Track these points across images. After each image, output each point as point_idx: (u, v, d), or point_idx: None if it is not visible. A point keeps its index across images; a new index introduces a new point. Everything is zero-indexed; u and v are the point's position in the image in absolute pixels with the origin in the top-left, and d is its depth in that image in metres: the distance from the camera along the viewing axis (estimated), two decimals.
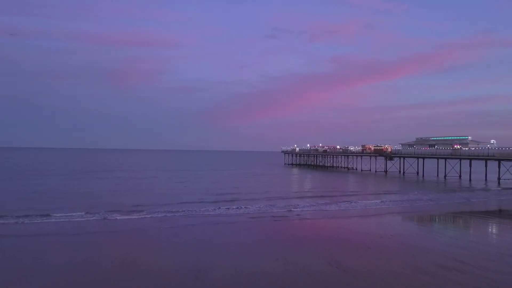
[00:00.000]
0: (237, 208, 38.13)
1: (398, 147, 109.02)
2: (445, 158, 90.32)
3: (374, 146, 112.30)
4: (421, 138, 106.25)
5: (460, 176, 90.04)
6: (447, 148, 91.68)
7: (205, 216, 33.67)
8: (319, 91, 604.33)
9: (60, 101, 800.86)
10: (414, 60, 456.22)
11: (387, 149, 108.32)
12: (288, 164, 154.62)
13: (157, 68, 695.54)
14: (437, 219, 36.50)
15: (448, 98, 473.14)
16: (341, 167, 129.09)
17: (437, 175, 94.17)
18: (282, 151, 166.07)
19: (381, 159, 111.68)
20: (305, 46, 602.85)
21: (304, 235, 27.12)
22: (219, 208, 37.77)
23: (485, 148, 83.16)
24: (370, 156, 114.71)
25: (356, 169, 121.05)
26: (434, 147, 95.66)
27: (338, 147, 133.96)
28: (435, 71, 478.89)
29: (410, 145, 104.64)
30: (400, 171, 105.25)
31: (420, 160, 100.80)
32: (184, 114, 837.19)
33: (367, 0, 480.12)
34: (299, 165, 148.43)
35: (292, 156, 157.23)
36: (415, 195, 52.05)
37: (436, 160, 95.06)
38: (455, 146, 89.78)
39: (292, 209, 38.34)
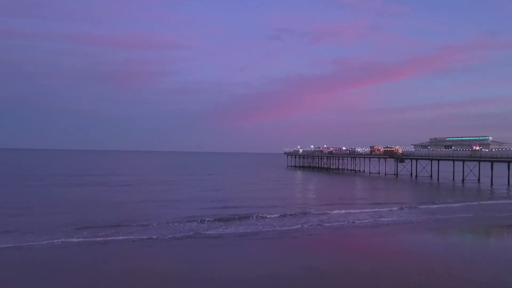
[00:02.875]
0: (237, 226, 30.30)
1: (410, 148, 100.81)
2: (463, 160, 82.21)
3: (384, 147, 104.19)
4: (435, 139, 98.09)
5: (479, 180, 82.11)
6: (465, 150, 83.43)
7: (199, 238, 25.77)
8: (321, 93, 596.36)
9: (62, 102, 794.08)
10: (416, 61, 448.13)
11: (397, 150, 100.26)
12: (291, 166, 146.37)
13: (159, 69, 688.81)
14: (494, 239, 28.41)
15: (451, 99, 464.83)
16: (347, 169, 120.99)
17: (453, 179, 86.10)
18: (285, 153, 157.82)
19: (391, 161, 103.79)
20: (307, 47, 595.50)
21: (324, 264, 19.14)
22: (216, 226, 29.91)
23: (509, 149, 75.05)
24: (379, 158, 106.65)
25: (364, 171, 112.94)
26: (451, 148, 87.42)
27: (344, 148, 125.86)
28: (437, 73, 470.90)
29: (424, 146, 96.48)
30: (411, 174, 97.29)
31: (434, 162, 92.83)
32: (186, 116, 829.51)
33: (369, 2, 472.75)
34: (302, 167, 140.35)
35: (295, 158, 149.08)
36: (444, 204, 43.96)
37: (451, 162, 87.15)
38: (474, 147, 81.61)
39: (304, 224, 30.40)
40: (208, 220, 30.92)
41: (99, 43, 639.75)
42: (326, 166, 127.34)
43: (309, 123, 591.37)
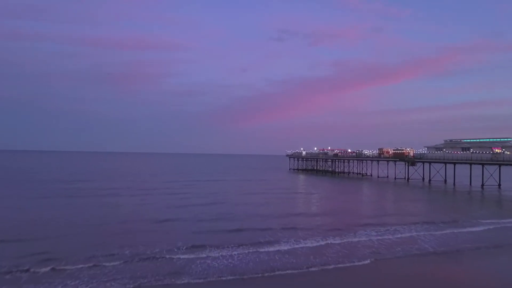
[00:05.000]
0: (243, 260, 21.91)
1: (423, 150, 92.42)
2: (483, 164, 73.84)
3: (394, 150, 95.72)
4: (450, 141, 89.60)
5: (499, 185, 73.82)
6: (485, 152, 75.05)
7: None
8: (323, 95, 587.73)
9: (63, 103, 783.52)
10: (417, 64, 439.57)
11: (408, 153, 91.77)
12: (294, 169, 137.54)
13: (161, 71, 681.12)
14: None
15: (453, 102, 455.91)
16: (353, 173, 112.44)
17: (470, 184, 77.82)
18: (287, 155, 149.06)
19: (400, 165, 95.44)
20: (308, 49, 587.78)
21: None
22: (214, 261, 21.55)
23: None
24: (388, 161, 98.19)
25: (371, 175, 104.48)
26: (469, 150, 79.04)
27: (349, 150, 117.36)
28: (438, 75, 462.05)
29: (438, 148, 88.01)
30: (423, 179, 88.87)
31: (449, 165, 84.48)
32: (187, 117, 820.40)
33: (370, 5, 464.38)
34: (305, 171, 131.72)
35: (297, 160, 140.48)
36: (496, 224, 35.25)
37: (467, 165, 78.90)
38: (495, 150, 73.21)
39: (328, 258, 22.04)
40: (203, 253, 22.61)
41: (102, 45, 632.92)
42: (330, 169, 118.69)
43: (310, 125, 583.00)
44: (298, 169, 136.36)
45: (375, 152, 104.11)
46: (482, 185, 73.86)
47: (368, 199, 55.53)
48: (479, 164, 74.61)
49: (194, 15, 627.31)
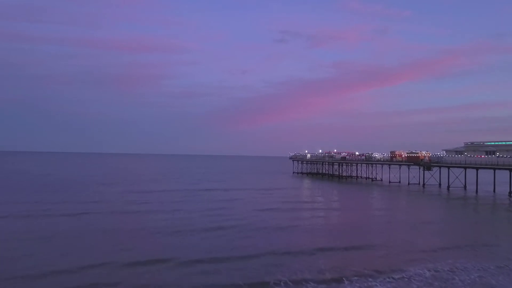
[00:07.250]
0: None
1: (441, 153, 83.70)
2: (510, 169, 65.13)
3: (407, 153, 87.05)
4: (471, 143, 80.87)
5: None
6: None
7: None
8: (323, 97, 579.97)
9: (64, 105, 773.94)
10: (418, 66, 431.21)
11: (424, 156, 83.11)
12: (298, 173, 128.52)
13: (161, 73, 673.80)
14: None
15: (455, 103, 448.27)
16: (362, 177, 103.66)
17: (494, 191, 69.26)
18: (290, 158, 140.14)
19: (414, 169, 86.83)
20: (308, 51, 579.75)
21: None
22: None
23: None
24: (400, 165, 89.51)
25: (382, 180, 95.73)
26: (495, 154, 70.36)
27: (357, 153, 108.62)
28: (439, 77, 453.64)
29: (459, 152, 79.24)
30: (440, 185, 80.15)
31: (469, 170, 75.79)
32: (189, 119, 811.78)
33: (371, 7, 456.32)
34: (310, 174, 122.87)
35: (301, 163, 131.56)
36: None
37: (488, 170, 70.34)
38: None
39: None
40: None
41: (103, 47, 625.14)
42: (337, 173, 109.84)
43: (312, 127, 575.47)
44: (302, 173, 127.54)
45: (386, 155, 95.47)
46: (510, 192, 65.34)
47: (400, 217, 46.01)
48: (506, 169, 65.98)
49: (195, 17, 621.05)
